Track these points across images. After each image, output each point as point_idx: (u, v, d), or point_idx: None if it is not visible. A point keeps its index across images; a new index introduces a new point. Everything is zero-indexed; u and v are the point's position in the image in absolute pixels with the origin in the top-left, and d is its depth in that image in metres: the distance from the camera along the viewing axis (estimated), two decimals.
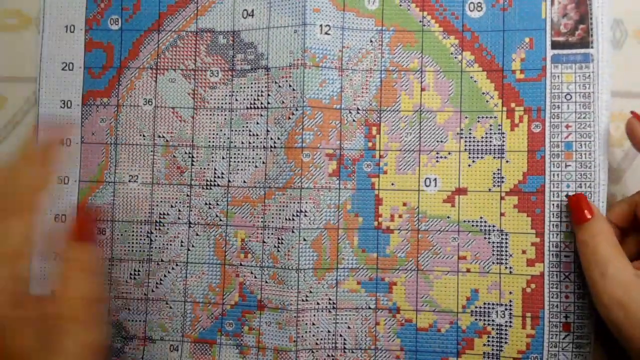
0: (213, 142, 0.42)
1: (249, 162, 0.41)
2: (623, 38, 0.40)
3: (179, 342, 0.41)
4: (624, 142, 0.40)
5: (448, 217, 0.40)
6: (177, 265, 0.41)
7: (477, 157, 0.40)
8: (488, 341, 0.39)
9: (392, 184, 0.41)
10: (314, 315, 0.40)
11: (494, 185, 0.40)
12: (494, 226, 0.40)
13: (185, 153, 0.42)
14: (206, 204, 0.41)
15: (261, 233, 0.41)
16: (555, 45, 0.40)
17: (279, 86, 0.41)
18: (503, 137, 0.40)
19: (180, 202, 0.42)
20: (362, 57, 0.41)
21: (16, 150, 0.30)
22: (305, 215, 0.40)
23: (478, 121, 0.40)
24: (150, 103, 0.42)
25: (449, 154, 0.40)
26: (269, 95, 0.41)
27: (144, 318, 0.41)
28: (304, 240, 0.40)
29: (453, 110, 0.40)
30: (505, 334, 0.39)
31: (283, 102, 0.40)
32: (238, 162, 0.41)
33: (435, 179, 0.40)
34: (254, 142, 0.41)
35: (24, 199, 0.28)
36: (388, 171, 0.41)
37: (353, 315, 0.40)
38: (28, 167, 0.30)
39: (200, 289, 0.41)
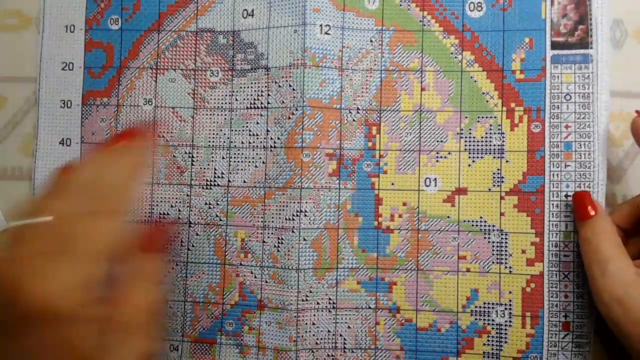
0: (213, 142, 0.42)
1: (249, 162, 0.41)
2: (623, 38, 0.40)
3: (179, 342, 0.41)
4: (625, 141, 0.40)
5: (448, 217, 0.40)
6: (177, 264, 0.42)
7: (477, 157, 0.40)
8: (488, 341, 0.39)
9: (392, 184, 0.41)
10: (314, 315, 0.40)
11: (494, 185, 0.40)
12: (493, 226, 0.40)
13: (185, 153, 0.42)
14: (206, 203, 0.41)
15: (261, 233, 0.41)
16: (555, 45, 0.40)
17: (279, 86, 0.41)
18: (503, 137, 0.40)
19: (180, 202, 0.42)
20: (362, 57, 0.41)
21: (104, 152, 0.31)
22: (305, 215, 0.40)
23: (478, 121, 0.40)
24: (150, 103, 0.42)
25: (449, 153, 0.40)
26: (269, 95, 0.41)
27: None
28: (304, 240, 0.40)
29: (453, 110, 0.41)
30: (505, 334, 0.39)
31: (283, 102, 0.40)
32: (238, 162, 0.41)
33: (435, 179, 0.40)
34: (254, 142, 0.41)
35: (113, 200, 0.29)
36: (388, 171, 0.41)
37: (353, 315, 0.40)
38: (119, 169, 0.30)
39: (200, 288, 0.41)
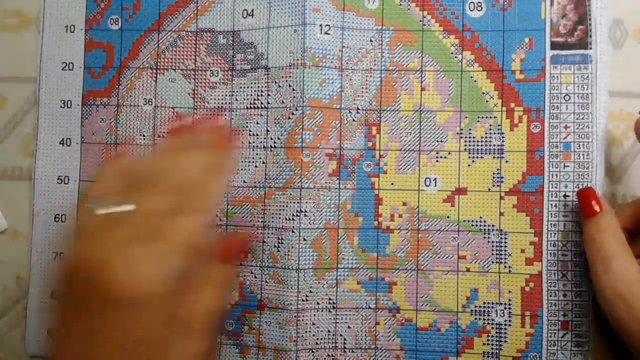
0: None
1: (249, 161, 0.41)
2: (623, 38, 0.40)
3: None
4: (625, 141, 0.40)
5: (448, 217, 0.40)
6: None
7: (477, 157, 0.40)
8: (488, 340, 0.40)
9: (392, 184, 0.41)
10: (314, 315, 0.40)
11: (494, 185, 0.40)
12: (493, 226, 0.40)
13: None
14: None
15: (261, 233, 0.41)
16: (554, 45, 0.40)
17: (279, 86, 0.41)
18: (503, 137, 0.40)
19: None
20: (362, 56, 0.41)
21: (187, 147, 0.32)
22: (305, 215, 0.40)
23: (478, 121, 0.40)
24: (150, 103, 0.42)
25: (449, 153, 0.40)
26: (268, 95, 0.41)
27: None
28: (304, 240, 0.40)
29: (453, 110, 0.41)
30: (505, 333, 0.39)
31: (283, 102, 0.41)
32: (238, 161, 0.41)
33: (435, 179, 0.40)
34: (253, 142, 0.41)
35: (196, 198, 0.30)
36: (388, 171, 0.41)
37: (353, 315, 0.40)
38: (212, 175, 0.31)
39: None
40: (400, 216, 0.40)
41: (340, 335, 0.40)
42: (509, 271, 0.40)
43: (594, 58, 0.39)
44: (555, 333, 0.39)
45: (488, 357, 0.39)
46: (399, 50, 0.41)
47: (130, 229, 0.28)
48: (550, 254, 0.39)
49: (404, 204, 0.41)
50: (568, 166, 0.39)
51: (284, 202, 0.40)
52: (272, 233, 0.40)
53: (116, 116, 0.42)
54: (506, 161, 0.40)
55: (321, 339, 0.40)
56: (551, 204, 0.39)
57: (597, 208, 0.36)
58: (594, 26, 0.39)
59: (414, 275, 0.40)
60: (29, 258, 0.42)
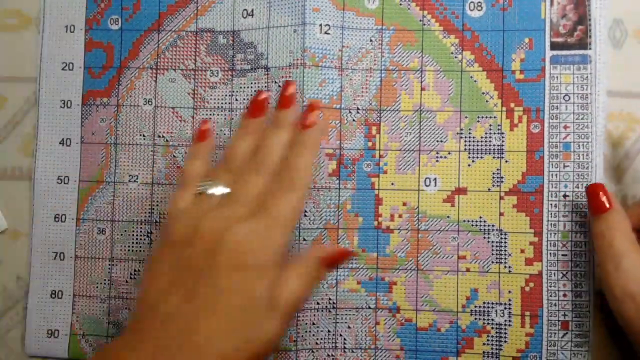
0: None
1: None
2: (623, 38, 0.40)
3: None
4: (625, 141, 0.40)
5: (448, 217, 0.40)
6: None
7: (477, 157, 0.40)
8: (488, 340, 0.40)
9: (392, 184, 0.41)
10: (314, 315, 0.40)
11: (494, 185, 0.40)
12: (493, 226, 0.40)
13: (185, 153, 0.42)
14: None
15: None
16: (554, 46, 0.40)
17: (279, 86, 0.41)
18: (502, 137, 0.40)
19: None
20: (362, 56, 0.41)
21: (282, 127, 0.35)
22: (305, 215, 0.40)
23: (478, 121, 0.40)
24: (150, 103, 0.42)
25: (449, 153, 0.40)
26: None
27: None
28: (304, 240, 0.40)
29: (453, 110, 0.41)
30: (505, 333, 0.39)
31: None
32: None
33: (435, 179, 0.40)
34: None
35: (297, 178, 0.33)
36: (388, 171, 0.41)
37: (353, 315, 0.40)
38: (304, 150, 0.34)
39: None
40: (400, 216, 0.40)
41: (340, 335, 0.40)
42: (509, 271, 0.40)
43: (594, 58, 0.39)
44: (555, 333, 0.39)
45: (488, 357, 0.39)
46: (399, 50, 0.41)
47: (237, 208, 0.32)
48: (550, 254, 0.39)
49: (404, 204, 0.41)
50: (568, 166, 0.39)
51: None
52: None
53: (116, 116, 0.42)
54: (506, 161, 0.40)
55: (321, 339, 0.40)
56: (551, 204, 0.39)
57: (607, 204, 0.35)
58: (593, 26, 0.39)
59: (414, 275, 0.40)
60: (29, 258, 0.42)
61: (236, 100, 0.42)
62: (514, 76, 0.40)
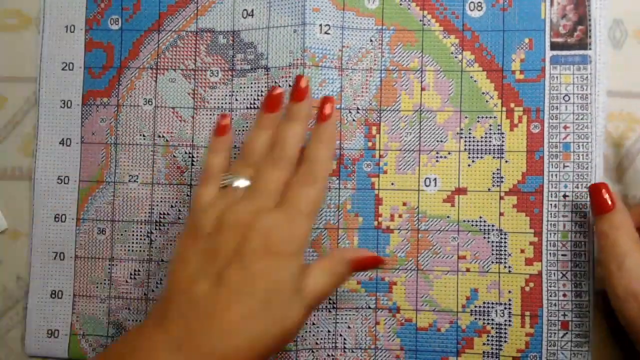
0: None
1: None
2: (623, 38, 0.40)
3: None
4: (625, 141, 0.40)
5: (448, 217, 0.40)
6: None
7: (477, 157, 0.40)
8: (488, 340, 0.40)
9: (392, 184, 0.41)
10: (314, 315, 0.40)
11: (494, 185, 0.40)
12: (493, 226, 0.40)
13: (185, 153, 0.42)
14: None
15: None
16: (554, 46, 0.40)
17: (279, 86, 0.41)
18: (502, 137, 0.40)
19: (180, 202, 0.42)
20: (362, 56, 0.41)
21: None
22: None
23: (478, 121, 0.40)
24: (150, 103, 0.42)
25: (449, 153, 0.40)
26: None
27: (144, 318, 0.42)
28: None
29: (453, 110, 0.41)
30: (505, 333, 0.39)
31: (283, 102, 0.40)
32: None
33: (435, 179, 0.40)
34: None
35: (317, 169, 0.35)
36: (388, 171, 0.41)
37: (353, 315, 0.40)
38: (320, 145, 0.36)
39: None
40: (400, 216, 0.40)
41: (340, 335, 0.40)
42: (509, 271, 0.40)
43: (593, 59, 0.39)
44: (555, 333, 0.39)
45: (488, 357, 0.39)
46: (399, 50, 0.41)
47: (262, 199, 0.34)
48: (550, 254, 0.39)
49: (404, 204, 0.41)
50: (567, 166, 0.39)
51: None
52: None
53: (116, 116, 0.42)
54: (506, 161, 0.40)
55: (321, 339, 0.40)
56: (551, 204, 0.39)
57: (610, 204, 0.35)
58: (593, 26, 0.39)
59: (414, 275, 0.40)
60: (29, 258, 0.42)
61: (236, 100, 0.42)
62: (514, 76, 0.40)
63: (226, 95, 0.42)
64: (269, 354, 0.31)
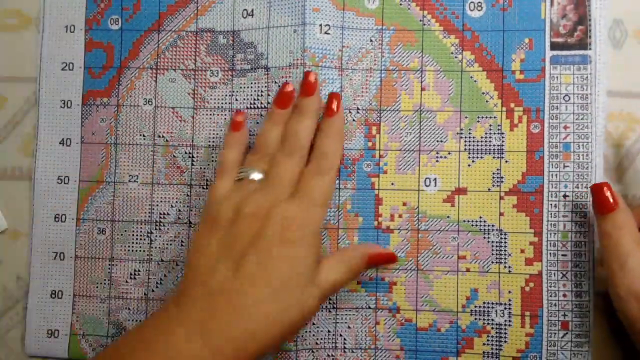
0: (213, 142, 0.42)
1: None
2: (623, 38, 0.40)
3: None
4: (625, 141, 0.40)
5: (448, 217, 0.40)
6: (177, 265, 0.42)
7: (477, 157, 0.40)
8: (488, 340, 0.40)
9: (392, 184, 0.41)
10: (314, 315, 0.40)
11: (494, 185, 0.40)
12: (493, 226, 0.40)
13: (185, 153, 0.42)
14: None
15: None
16: (554, 46, 0.40)
17: (279, 86, 0.41)
18: (502, 137, 0.40)
19: (180, 202, 0.42)
20: (362, 56, 0.41)
21: (309, 114, 0.38)
22: None
23: (478, 121, 0.40)
24: (150, 103, 0.42)
25: (449, 153, 0.40)
26: (269, 95, 0.41)
27: (144, 318, 0.42)
28: None
29: (453, 110, 0.41)
30: (505, 333, 0.39)
31: None
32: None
33: (435, 179, 0.40)
34: (254, 142, 0.41)
35: (327, 162, 0.36)
36: (388, 171, 0.41)
37: (353, 315, 0.40)
38: (327, 139, 0.37)
39: None
40: (400, 216, 0.40)
41: (340, 335, 0.40)
42: (509, 271, 0.40)
43: (593, 59, 0.39)
44: (555, 333, 0.39)
45: (488, 357, 0.39)
46: (399, 50, 0.41)
47: (277, 190, 0.35)
48: (550, 254, 0.39)
49: (404, 204, 0.41)
50: (568, 166, 0.39)
51: None
52: None
53: (116, 116, 0.42)
54: (506, 161, 0.40)
55: (321, 339, 0.40)
56: (551, 204, 0.39)
57: (613, 203, 0.35)
58: (593, 26, 0.39)
59: (414, 275, 0.40)
60: (29, 258, 0.42)
61: (236, 100, 0.42)
62: (514, 76, 0.40)
63: (226, 95, 0.42)
64: (284, 339, 0.33)
